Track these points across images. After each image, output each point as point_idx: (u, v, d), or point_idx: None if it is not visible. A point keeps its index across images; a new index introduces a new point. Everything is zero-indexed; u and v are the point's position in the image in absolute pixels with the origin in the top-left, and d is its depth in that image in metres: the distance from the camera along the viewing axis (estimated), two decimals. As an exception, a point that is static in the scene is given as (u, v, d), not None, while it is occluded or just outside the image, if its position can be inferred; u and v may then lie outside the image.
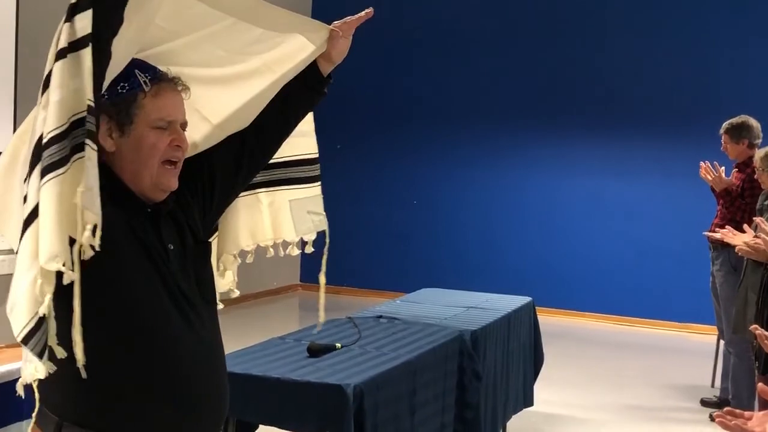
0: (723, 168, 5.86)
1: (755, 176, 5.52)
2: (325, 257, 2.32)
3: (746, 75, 8.63)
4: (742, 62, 8.66)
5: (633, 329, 8.85)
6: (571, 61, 9.25)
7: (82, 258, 1.61)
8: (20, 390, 1.74)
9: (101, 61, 1.69)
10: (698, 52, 8.82)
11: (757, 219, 3.94)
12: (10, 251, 6.33)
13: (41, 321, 1.59)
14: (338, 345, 3.70)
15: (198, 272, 2.05)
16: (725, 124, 5.93)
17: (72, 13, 1.66)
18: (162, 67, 1.99)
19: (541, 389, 5.51)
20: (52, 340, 1.61)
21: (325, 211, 2.46)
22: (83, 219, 1.60)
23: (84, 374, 1.65)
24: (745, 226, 4.23)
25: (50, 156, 1.61)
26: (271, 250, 2.43)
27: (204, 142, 2.17)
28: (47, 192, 1.60)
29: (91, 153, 1.63)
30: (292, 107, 2.25)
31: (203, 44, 2.10)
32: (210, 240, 2.24)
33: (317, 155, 2.46)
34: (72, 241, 1.61)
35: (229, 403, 2.07)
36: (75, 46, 1.65)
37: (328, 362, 3.46)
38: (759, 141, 5.86)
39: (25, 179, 1.67)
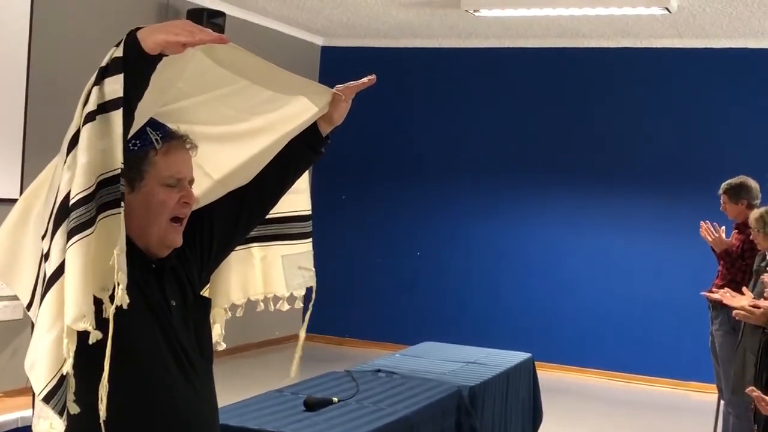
0: (723, 228, 5.89)
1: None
2: (309, 313, 2.35)
3: (748, 135, 8.70)
4: (744, 122, 8.73)
5: (633, 386, 8.81)
6: (575, 118, 9.33)
7: (104, 316, 1.66)
8: None
9: (128, 124, 1.73)
10: (701, 111, 8.90)
11: (765, 277, 3.96)
12: (12, 297, 6.34)
13: (62, 379, 1.62)
14: (335, 399, 3.71)
15: (198, 328, 2.08)
16: (724, 185, 5.97)
17: (101, 76, 1.71)
18: (171, 125, 2.03)
19: (539, 446, 5.48)
20: (71, 398, 1.64)
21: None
22: (116, 279, 1.65)
23: (104, 430, 1.68)
24: (744, 289, 4.24)
25: (78, 217, 1.64)
26: (262, 304, 2.45)
27: (205, 198, 2.21)
28: (74, 253, 1.63)
29: (119, 215, 1.68)
30: (292, 165, 2.30)
31: (214, 104, 2.15)
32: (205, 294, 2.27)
33: (310, 212, 2.50)
34: (95, 301, 1.65)
35: None
36: (104, 108, 1.69)
37: (324, 416, 3.47)
38: (758, 201, 5.89)
39: (44, 236, 1.71)
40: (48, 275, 1.65)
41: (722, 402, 6.02)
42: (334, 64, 9.96)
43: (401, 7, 8.34)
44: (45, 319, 1.64)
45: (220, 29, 7.88)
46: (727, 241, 5.78)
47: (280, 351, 9.58)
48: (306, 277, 2.47)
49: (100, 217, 1.67)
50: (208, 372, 2.08)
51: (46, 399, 1.62)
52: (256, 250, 2.42)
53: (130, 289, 1.86)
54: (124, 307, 1.67)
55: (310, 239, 2.49)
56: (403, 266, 9.89)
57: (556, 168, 9.35)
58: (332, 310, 9.83)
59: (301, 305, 2.47)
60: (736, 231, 5.90)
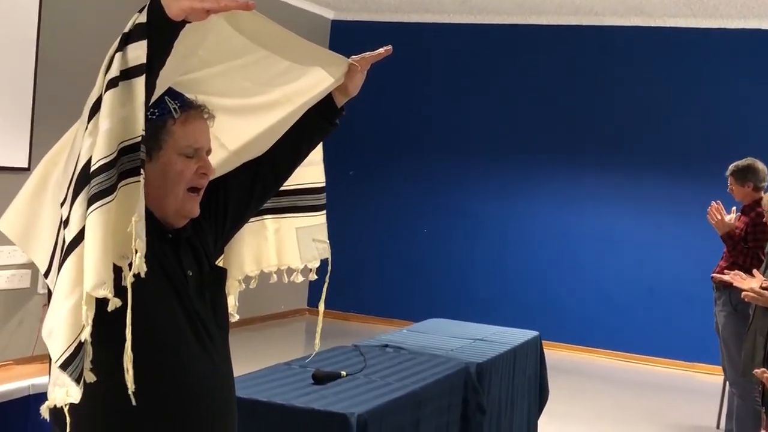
0: (734, 209, 5.87)
1: (762, 220, 5.54)
2: (326, 285, 2.34)
3: (759, 116, 8.65)
4: (756, 104, 8.68)
5: (639, 366, 8.82)
6: (585, 96, 9.29)
7: (122, 284, 1.65)
8: (45, 414, 1.72)
9: (150, 91, 1.71)
10: (712, 91, 8.85)
11: None
12: (19, 266, 6.36)
13: (80, 347, 1.62)
14: (343, 373, 3.70)
15: (214, 298, 2.07)
16: (731, 167, 5.94)
17: (125, 42, 1.68)
18: (190, 95, 2.02)
19: (545, 424, 5.49)
20: (87, 366, 1.64)
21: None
22: (134, 246, 1.64)
23: (134, 401, 1.68)
24: (755, 271, 4.22)
25: (99, 184, 1.63)
26: (275, 276, 2.44)
27: (220, 169, 2.19)
28: (95, 220, 1.62)
29: (140, 182, 1.66)
30: (306, 137, 2.28)
31: (232, 74, 2.13)
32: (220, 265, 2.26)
33: (324, 184, 2.49)
34: (114, 269, 1.64)
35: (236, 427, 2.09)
36: (127, 74, 1.66)
37: (332, 390, 3.47)
38: (765, 184, 5.87)
39: (63, 202, 1.69)
40: (67, 242, 1.64)
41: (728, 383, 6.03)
42: (345, 38, 9.92)
43: (413, -19, 8.28)
44: (64, 286, 1.63)
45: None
46: (729, 224, 5.75)
47: (285, 325, 9.61)
48: (320, 249, 2.46)
49: (120, 184, 1.66)
50: (224, 342, 2.08)
51: (63, 366, 1.61)
52: (270, 221, 2.41)
53: (147, 258, 1.85)
54: (142, 275, 1.66)
55: (324, 211, 2.48)
56: (410, 243, 9.89)
57: (565, 147, 9.31)
58: (338, 285, 9.82)
59: (315, 277, 2.46)
60: (741, 213, 5.88)
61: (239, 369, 3.21)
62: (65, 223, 1.66)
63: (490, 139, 9.61)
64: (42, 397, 1.77)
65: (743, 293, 4.08)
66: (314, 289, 10.11)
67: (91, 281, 1.60)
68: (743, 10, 8.34)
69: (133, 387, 1.66)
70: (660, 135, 9.01)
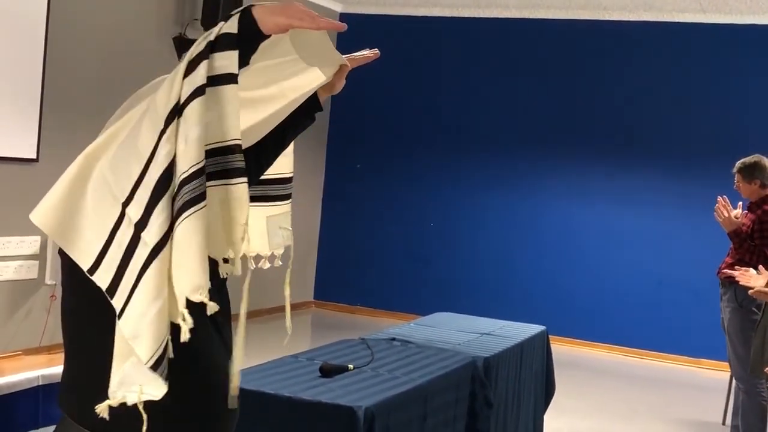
0: (740, 204, 5.85)
1: (766, 218, 5.55)
2: (288, 270, 2.35)
3: (765, 113, 8.64)
4: (764, 100, 8.66)
5: (646, 362, 8.81)
6: (593, 91, 9.28)
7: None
8: (104, 413, 1.72)
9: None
10: (721, 87, 8.83)
11: None
12: (27, 257, 6.36)
13: (166, 347, 1.66)
14: (351, 366, 3.71)
15: (218, 287, 2.07)
16: (738, 164, 5.92)
17: (211, 50, 1.70)
18: None
19: (551, 419, 5.49)
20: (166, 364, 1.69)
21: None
22: (248, 248, 1.73)
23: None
24: (761, 268, 4.21)
25: (191, 191, 1.65)
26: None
27: None
28: (190, 226, 1.65)
29: (245, 186, 1.73)
30: (290, 130, 2.31)
31: (256, 73, 2.14)
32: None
33: (292, 174, 2.52)
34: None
35: (240, 419, 2.10)
36: (214, 81, 1.69)
37: (340, 383, 3.47)
38: None
39: (125, 202, 1.70)
40: (151, 245, 1.65)
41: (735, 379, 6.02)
42: (353, 32, 9.83)
43: (422, -26, 8.27)
44: (150, 289, 1.65)
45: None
46: (736, 222, 5.74)
47: (291, 317, 9.61)
48: (285, 236, 2.49)
49: (208, 184, 1.69)
50: (230, 332, 2.10)
51: (155, 366, 1.65)
52: None
53: None
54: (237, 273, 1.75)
55: (290, 200, 2.51)
56: (417, 236, 9.89)
57: (572, 142, 9.30)
58: (345, 278, 9.86)
59: (279, 263, 2.48)
60: (748, 210, 5.87)
61: (245, 361, 3.21)
62: (139, 225, 1.68)
63: (498, 133, 9.60)
64: (51, 387, 1.77)
65: (750, 290, 4.08)
66: (320, 281, 10.12)
67: (189, 285, 1.64)
68: (753, 6, 8.32)
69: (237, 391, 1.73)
70: (668, 130, 8.99)
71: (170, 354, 1.68)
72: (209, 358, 1.96)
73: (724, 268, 5.78)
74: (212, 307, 1.66)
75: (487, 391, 4.17)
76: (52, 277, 6.54)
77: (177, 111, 1.68)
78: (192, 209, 1.65)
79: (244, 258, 2.41)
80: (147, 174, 1.68)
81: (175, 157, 1.67)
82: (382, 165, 9.97)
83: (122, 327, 1.67)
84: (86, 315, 1.83)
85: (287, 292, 2.39)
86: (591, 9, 9.10)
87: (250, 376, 3.44)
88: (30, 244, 6.47)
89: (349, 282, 9.76)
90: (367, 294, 9.88)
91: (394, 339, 4.50)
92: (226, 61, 1.69)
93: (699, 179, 8.71)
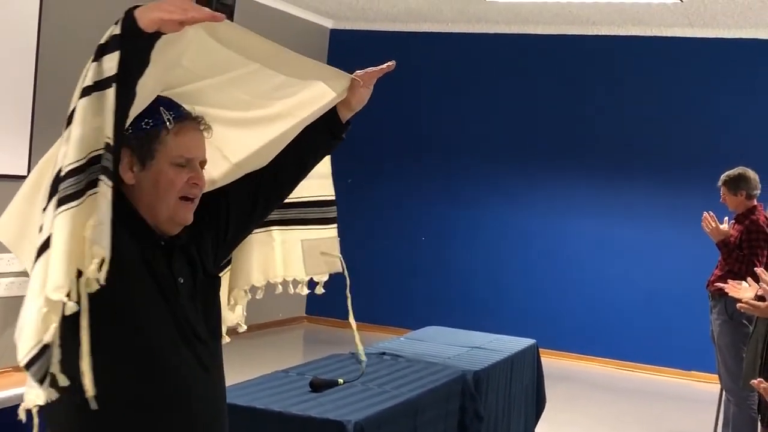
0: (726, 219, 5.89)
1: (756, 227, 5.59)
2: (349, 300, 2.34)
3: (755, 126, 8.68)
4: (752, 114, 8.72)
5: (636, 374, 8.83)
6: (582, 105, 9.32)
7: (88, 291, 1.66)
8: (22, 414, 1.76)
9: (125, 100, 1.75)
10: (709, 101, 8.88)
11: (758, 270, 3.97)
12: (19, 273, 6.36)
13: (45, 348, 1.63)
14: (341, 380, 3.72)
15: (206, 306, 2.08)
16: (723, 176, 5.97)
17: (100, 53, 1.73)
18: (187, 106, 2.04)
19: (542, 432, 5.51)
20: (55, 368, 1.66)
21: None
22: (91, 252, 1.65)
23: (94, 405, 1.68)
24: (750, 280, 4.24)
25: (65, 188, 1.66)
26: (280, 286, 2.46)
27: (222, 179, 2.22)
28: (59, 223, 1.65)
29: (105, 189, 1.68)
30: (310, 150, 2.30)
31: (228, 87, 2.15)
32: (221, 274, 2.28)
33: (334, 197, 2.50)
34: (80, 274, 1.65)
35: None
36: (100, 85, 1.70)
37: (329, 398, 3.48)
38: (757, 192, 5.90)
39: (44, 208, 1.72)
40: (38, 244, 1.67)
41: (725, 391, 6.04)
42: (343, 48, 9.95)
43: (411, -9, 8.32)
44: (33, 288, 1.66)
45: (229, 10, 7.88)
46: (724, 232, 5.78)
47: (283, 332, 9.61)
48: (329, 263, 2.47)
49: (89, 192, 1.68)
50: (217, 349, 2.10)
51: (27, 366, 1.64)
52: (277, 233, 2.44)
53: (133, 264, 1.87)
54: (101, 281, 1.66)
55: (335, 225, 2.49)
56: (408, 251, 9.90)
57: (562, 155, 9.34)
58: (335, 293, 9.85)
59: (323, 291, 2.48)
60: (735, 222, 5.91)
61: (237, 376, 3.23)
62: (40, 228, 1.70)
63: (487, 147, 9.63)
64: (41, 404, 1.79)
65: (738, 305, 4.10)
66: (312, 296, 10.09)
67: (51, 285, 1.62)
68: (740, 20, 8.38)
69: (93, 391, 1.66)
70: (657, 142, 9.03)
71: (54, 360, 1.64)
72: (173, 369, 1.96)
73: (713, 281, 5.81)
74: (71, 308, 1.63)
75: (477, 404, 4.18)
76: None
77: (72, 115, 1.72)
78: (63, 207, 1.65)
79: (285, 283, 2.41)
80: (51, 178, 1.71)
81: None
82: (373, 179, 10.00)
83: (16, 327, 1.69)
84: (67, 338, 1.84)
85: (352, 321, 2.39)
86: (579, 24, 9.15)
87: (241, 391, 3.45)
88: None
89: (341, 297, 9.74)
90: (358, 309, 9.81)
91: (384, 353, 4.52)
92: (112, 63, 1.71)
93: (687, 192, 8.75)
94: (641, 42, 9.11)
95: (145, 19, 1.72)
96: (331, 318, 9.54)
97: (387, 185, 9.97)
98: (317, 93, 2.24)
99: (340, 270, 2.46)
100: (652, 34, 9.07)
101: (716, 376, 6.32)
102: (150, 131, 1.96)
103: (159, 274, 1.96)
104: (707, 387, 7.83)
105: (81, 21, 6.95)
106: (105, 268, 1.65)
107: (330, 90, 2.24)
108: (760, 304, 3.87)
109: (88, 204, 1.67)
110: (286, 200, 2.36)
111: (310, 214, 2.46)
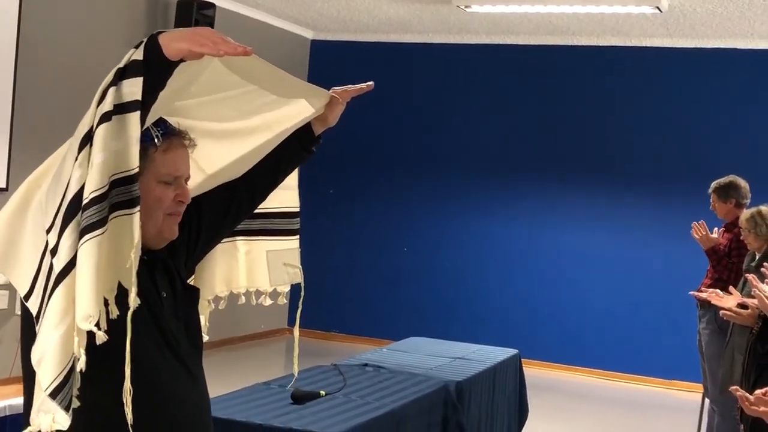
0: (716, 229, 5.91)
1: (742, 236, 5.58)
2: (299, 311, 2.34)
3: (737, 135, 8.73)
4: (733, 122, 8.77)
5: (619, 384, 8.84)
6: (564, 116, 9.34)
7: (110, 317, 1.69)
8: None
9: (141, 125, 1.75)
10: (690, 110, 8.92)
11: (749, 276, 3.98)
12: (5, 286, 6.28)
13: (69, 375, 1.65)
14: (322, 392, 3.70)
15: (187, 318, 2.08)
16: (713, 184, 6.00)
17: (120, 77, 1.72)
18: (172, 120, 2.04)
19: (525, 442, 5.50)
20: (74, 393, 1.67)
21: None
22: (133, 280, 1.71)
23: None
24: (732, 289, 4.25)
25: (89, 216, 1.66)
26: (243, 297, 2.45)
27: (196, 190, 2.22)
28: (86, 252, 1.65)
29: (137, 216, 1.72)
30: (283, 163, 2.32)
31: (219, 104, 2.16)
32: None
33: (298, 209, 2.51)
34: (105, 302, 1.68)
35: None
36: (121, 109, 1.70)
37: (311, 410, 3.47)
38: (747, 201, 5.92)
39: (49, 229, 1.71)
40: (57, 271, 1.66)
41: (707, 400, 6.05)
42: (324, 58, 9.95)
43: (392, 1, 8.33)
44: (54, 315, 1.65)
45: (209, 20, 7.86)
46: (714, 239, 5.81)
47: (265, 345, 9.57)
48: (291, 274, 2.47)
49: (111, 216, 1.70)
50: (199, 361, 2.10)
51: (53, 394, 1.64)
52: (241, 243, 2.43)
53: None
54: (132, 307, 1.71)
55: (298, 236, 2.49)
56: (390, 262, 9.89)
57: (544, 166, 9.36)
58: (318, 304, 9.82)
59: (285, 301, 2.46)
60: (724, 230, 5.93)
61: (218, 389, 3.20)
62: (53, 251, 1.69)
63: (470, 158, 9.64)
64: (18, 418, 1.77)
65: (721, 312, 4.11)
66: (294, 309, 10.07)
67: (80, 313, 1.64)
68: (719, 30, 8.44)
69: (132, 420, 1.70)
70: (642, 152, 9.06)
71: (75, 386, 1.67)
72: (174, 389, 1.96)
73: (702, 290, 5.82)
74: (100, 337, 1.65)
75: (459, 415, 4.17)
76: (21, 308, 6.48)
77: (89, 138, 1.70)
78: (89, 235, 1.66)
79: (248, 293, 2.42)
80: (64, 200, 1.70)
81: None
82: (355, 190, 9.99)
83: (32, 353, 1.68)
84: None
85: (296, 332, 2.39)
86: (560, 34, 9.19)
87: (222, 404, 3.43)
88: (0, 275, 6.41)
89: (323, 308, 9.72)
90: (341, 320, 9.86)
91: (366, 364, 4.50)
92: (133, 87, 1.71)
93: (674, 202, 8.78)
94: (621, 52, 9.16)
95: (173, 49, 1.72)
96: (312, 330, 9.51)
97: (369, 196, 9.96)
98: (297, 109, 2.27)
99: (300, 281, 2.46)
100: (632, 45, 9.11)
101: (698, 384, 6.34)
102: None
103: (144, 289, 1.94)
104: (689, 396, 7.85)
105: (61, 30, 6.91)
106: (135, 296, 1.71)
107: (308, 106, 2.26)
108: (743, 311, 3.89)
109: (111, 230, 1.69)
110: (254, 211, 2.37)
111: (275, 225, 2.46)
